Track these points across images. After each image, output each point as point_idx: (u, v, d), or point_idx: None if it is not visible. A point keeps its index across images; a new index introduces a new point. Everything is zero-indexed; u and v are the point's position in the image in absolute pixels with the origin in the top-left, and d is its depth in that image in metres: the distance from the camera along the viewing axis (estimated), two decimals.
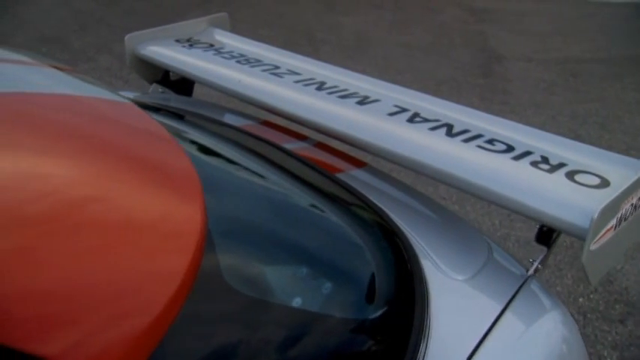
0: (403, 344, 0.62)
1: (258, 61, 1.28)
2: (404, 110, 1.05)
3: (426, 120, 1.01)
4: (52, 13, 5.18)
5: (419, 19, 5.05)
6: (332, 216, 0.79)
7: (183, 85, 1.41)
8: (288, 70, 1.22)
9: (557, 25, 4.95)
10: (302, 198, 0.80)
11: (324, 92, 1.11)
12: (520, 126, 1.00)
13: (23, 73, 0.71)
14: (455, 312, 0.71)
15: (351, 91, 1.13)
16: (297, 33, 4.57)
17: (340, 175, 0.98)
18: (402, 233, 0.80)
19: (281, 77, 1.18)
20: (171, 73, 1.37)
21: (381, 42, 4.40)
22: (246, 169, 0.87)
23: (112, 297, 0.36)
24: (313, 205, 0.80)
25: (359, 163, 1.06)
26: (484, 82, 3.66)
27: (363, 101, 1.08)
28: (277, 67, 1.24)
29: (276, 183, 0.83)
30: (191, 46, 1.36)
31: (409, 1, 5.55)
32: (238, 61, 1.27)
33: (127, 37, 1.36)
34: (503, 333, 0.70)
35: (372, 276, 0.71)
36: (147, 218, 0.43)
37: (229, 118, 1.22)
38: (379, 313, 0.66)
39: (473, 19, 5.05)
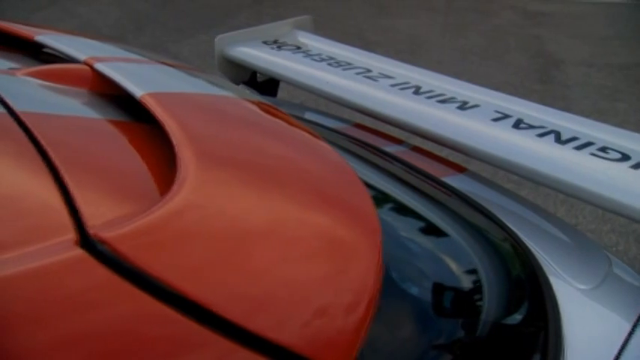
0: (543, 355, 0.61)
1: (349, 64, 1.28)
2: (506, 116, 1.03)
3: (531, 126, 0.99)
4: (109, 13, 5.34)
5: (472, 22, 4.98)
6: (468, 232, 0.79)
7: (268, 86, 1.43)
8: (380, 74, 1.22)
9: (617, 29, 4.81)
10: (439, 219, 0.79)
11: (422, 96, 1.11)
12: (631, 134, 0.98)
13: (169, 72, 0.73)
14: (587, 321, 0.70)
15: (449, 95, 1.12)
16: (350, 35, 4.58)
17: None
18: (523, 242, 0.79)
19: (376, 80, 1.18)
20: (258, 74, 1.39)
21: (435, 45, 4.37)
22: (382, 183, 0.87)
23: (326, 300, 0.38)
24: (453, 227, 0.79)
25: (459, 168, 1.06)
26: (542, 88, 3.58)
27: (463, 106, 1.07)
28: (369, 71, 1.24)
29: (413, 202, 0.83)
30: (279, 48, 1.38)
31: (462, 5, 5.48)
32: (329, 64, 1.28)
33: (216, 39, 1.38)
34: None
35: (507, 287, 0.70)
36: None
37: (321, 120, 1.23)
38: (516, 323, 0.65)
39: (528, 23, 4.96)
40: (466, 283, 0.70)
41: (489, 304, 0.66)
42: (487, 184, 1.01)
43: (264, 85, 1.41)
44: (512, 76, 3.73)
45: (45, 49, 0.89)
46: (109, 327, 0.31)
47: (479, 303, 0.66)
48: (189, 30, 4.89)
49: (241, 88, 1.41)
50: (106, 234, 0.35)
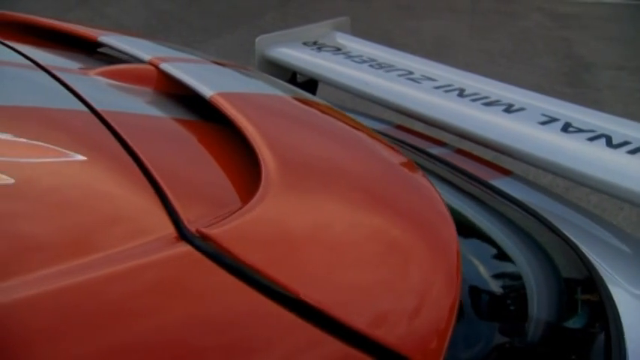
0: None
1: (390, 65, 1.28)
2: (554, 119, 1.03)
3: (580, 130, 0.99)
4: (136, 13, 5.41)
5: (499, 24, 4.94)
6: (525, 237, 0.79)
7: (307, 86, 1.44)
8: (423, 76, 1.22)
9: None
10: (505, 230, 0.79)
11: (466, 99, 1.11)
12: None
13: (224, 71, 0.74)
14: None
15: (493, 98, 1.12)
16: (375, 37, 4.55)
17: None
18: (578, 247, 0.79)
19: (418, 83, 1.18)
20: (298, 75, 1.40)
21: (462, 47, 4.34)
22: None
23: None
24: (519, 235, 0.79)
25: (504, 171, 1.05)
26: (572, 92, 3.54)
27: (509, 109, 1.07)
28: (411, 73, 1.24)
29: (469, 207, 0.83)
30: (319, 49, 1.39)
31: (488, 7, 5.44)
32: (370, 65, 1.28)
33: (257, 40, 1.40)
34: None
35: (566, 293, 0.70)
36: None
37: (362, 121, 1.23)
38: (579, 330, 0.65)
39: (556, 25, 4.90)
40: (520, 288, 0.70)
41: (551, 310, 0.66)
42: (535, 188, 1.01)
43: (304, 85, 1.42)
44: (542, 80, 3.69)
45: (100, 49, 0.91)
46: (217, 321, 0.32)
47: (539, 309, 0.66)
48: (215, 30, 4.93)
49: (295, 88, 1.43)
50: (212, 230, 0.35)
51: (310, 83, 1.43)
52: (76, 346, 0.30)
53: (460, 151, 1.11)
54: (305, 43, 1.42)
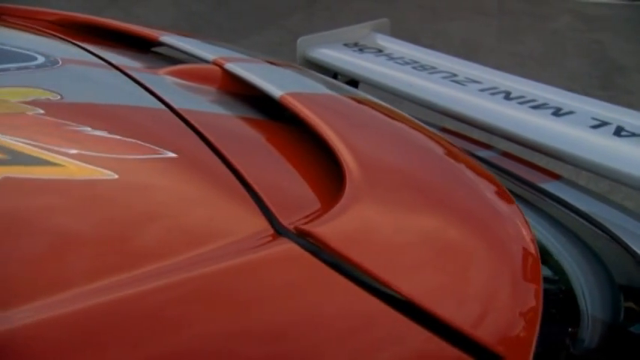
0: None
1: (433, 67, 1.28)
2: (605, 123, 1.02)
3: (634, 134, 0.98)
4: (165, 14, 5.47)
5: (528, 26, 4.89)
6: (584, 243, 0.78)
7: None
8: (467, 78, 1.22)
9: None
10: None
11: (513, 102, 1.10)
12: None
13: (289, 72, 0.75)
14: None
15: (541, 102, 1.11)
16: (402, 38, 4.55)
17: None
18: (637, 253, 0.78)
19: (464, 85, 1.18)
20: (339, 76, 1.41)
21: (490, 50, 4.30)
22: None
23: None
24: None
25: (553, 175, 1.04)
26: (605, 95, 3.48)
27: (558, 112, 1.06)
28: (455, 75, 1.24)
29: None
30: (361, 50, 1.39)
31: (516, 8, 5.39)
32: (414, 67, 1.28)
33: (299, 40, 1.41)
34: None
35: (627, 298, 0.70)
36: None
37: None
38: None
39: (587, 27, 4.83)
40: (575, 292, 0.69)
41: (611, 314, 0.66)
42: (586, 192, 1.00)
43: None
44: (573, 83, 3.64)
45: (154, 48, 0.92)
46: (324, 318, 0.33)
47: (598, 312, 0.66)
48: (243, 31, 4.96)
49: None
50: (315, 228, 0.36)
51: (350, 84, 1.43)
52: (191, 339, 0.30)
53: (506, 154, 1.10)
54: (346, 45, 1.42)
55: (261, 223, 0.38)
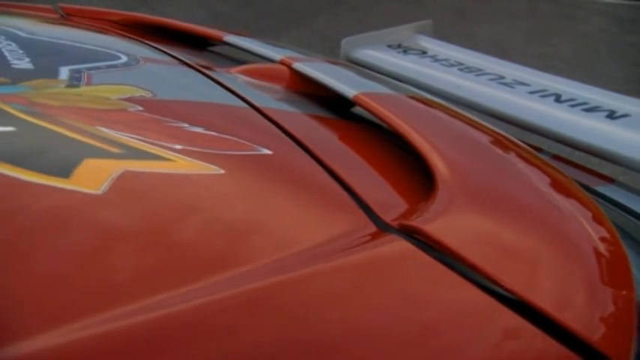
0: None
1: (479, 69, 1.28)
2: None
3: None
4: (193, 14, 5.52)
5: (558, 29, 4.82)
6: None
7: None
8: (515, 80, 1.21)
9: None
10: None
11: (564, 104, 1.09)
12: None
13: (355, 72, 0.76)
14: None
15: (593, 104, 1.10)
16: None
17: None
18: None
19: (512, 87, 1.17)
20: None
21: (520, 53, 4.26)
22: None
23: None
24: None
25: (607, 179, 1.03)
26: None
27: (612, 115, 1.05)
28: (502, 77, 1.23)
29: None
30: (405, 52, 1.39)
31: (546, 10, 5.32)
32: (460, 69, 1.28)
33: (343, 41, 1.41)
34: None
35: None
36: None
37: None
38: None
39: (620, 30, 4.75)
40: None
41: None
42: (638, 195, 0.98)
43: None
44: (607, 87, 3.58)
45: (209, 48, 0.94)
46: (448, 316, 0.33)
47: None
48: (270, 31, 4.99)
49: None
50: (425, 225, 0.36)
51: None
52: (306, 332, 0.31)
53: (557, 157, 1.09)
54: (389, 46, 1.43)
55: (362, 220, 0.38)
